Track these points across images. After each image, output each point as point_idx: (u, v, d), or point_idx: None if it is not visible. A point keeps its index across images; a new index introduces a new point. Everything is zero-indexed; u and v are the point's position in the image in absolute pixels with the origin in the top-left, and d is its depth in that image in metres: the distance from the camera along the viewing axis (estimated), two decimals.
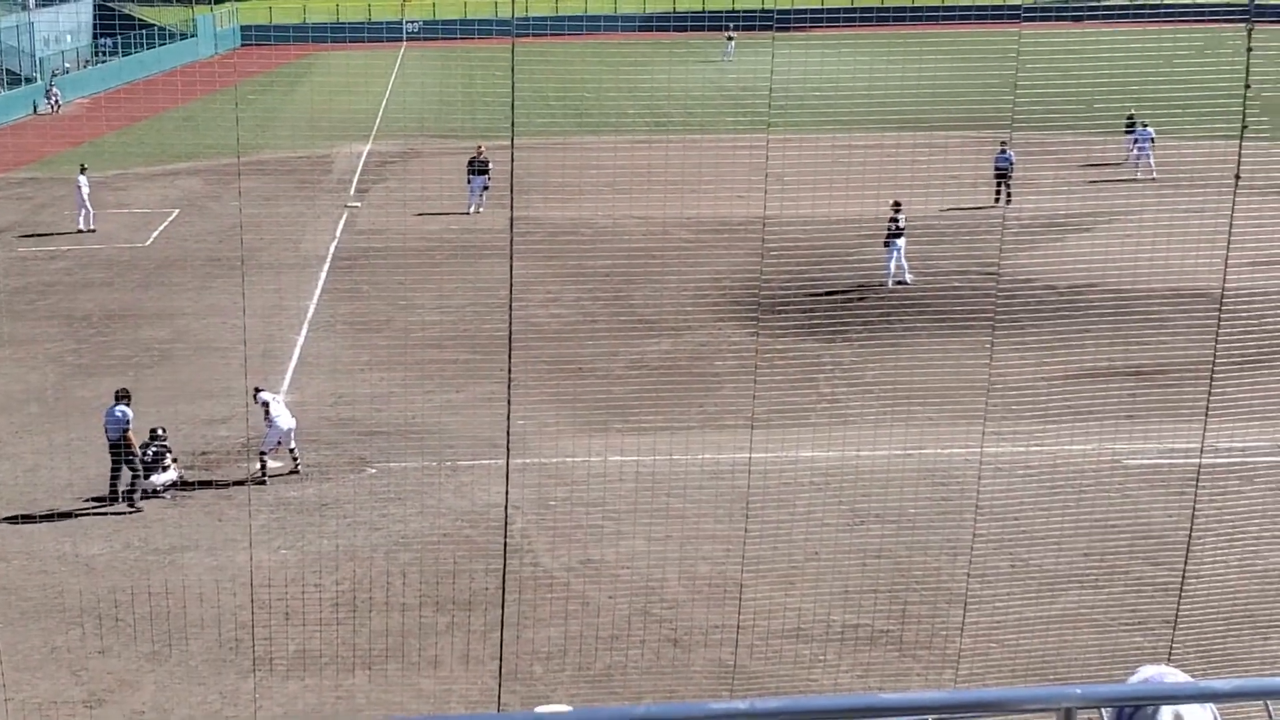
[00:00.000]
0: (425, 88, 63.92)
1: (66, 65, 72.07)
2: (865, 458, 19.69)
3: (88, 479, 20.63)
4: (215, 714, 15.01)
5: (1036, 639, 15.54)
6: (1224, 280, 15.12)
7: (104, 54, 77.43)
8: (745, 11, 79.79)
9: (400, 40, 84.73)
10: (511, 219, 14.25)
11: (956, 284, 29.24)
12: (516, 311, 16.55)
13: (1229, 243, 14.59)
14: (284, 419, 20.92)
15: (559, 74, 61.50)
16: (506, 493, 16.04)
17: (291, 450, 21.07)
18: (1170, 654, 13.93)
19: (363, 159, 48.10)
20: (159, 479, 20.35)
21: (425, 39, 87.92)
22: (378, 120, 55.13)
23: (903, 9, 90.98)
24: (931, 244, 32.17)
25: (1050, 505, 18.28)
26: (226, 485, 20.73)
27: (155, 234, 37.76)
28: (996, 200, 37.15)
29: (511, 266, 14.33)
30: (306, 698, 15.17)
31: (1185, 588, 14.45)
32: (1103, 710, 4.35)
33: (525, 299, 28.19)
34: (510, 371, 14.14)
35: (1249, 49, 15.13)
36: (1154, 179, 40.00)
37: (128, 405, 20.46)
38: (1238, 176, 14.83)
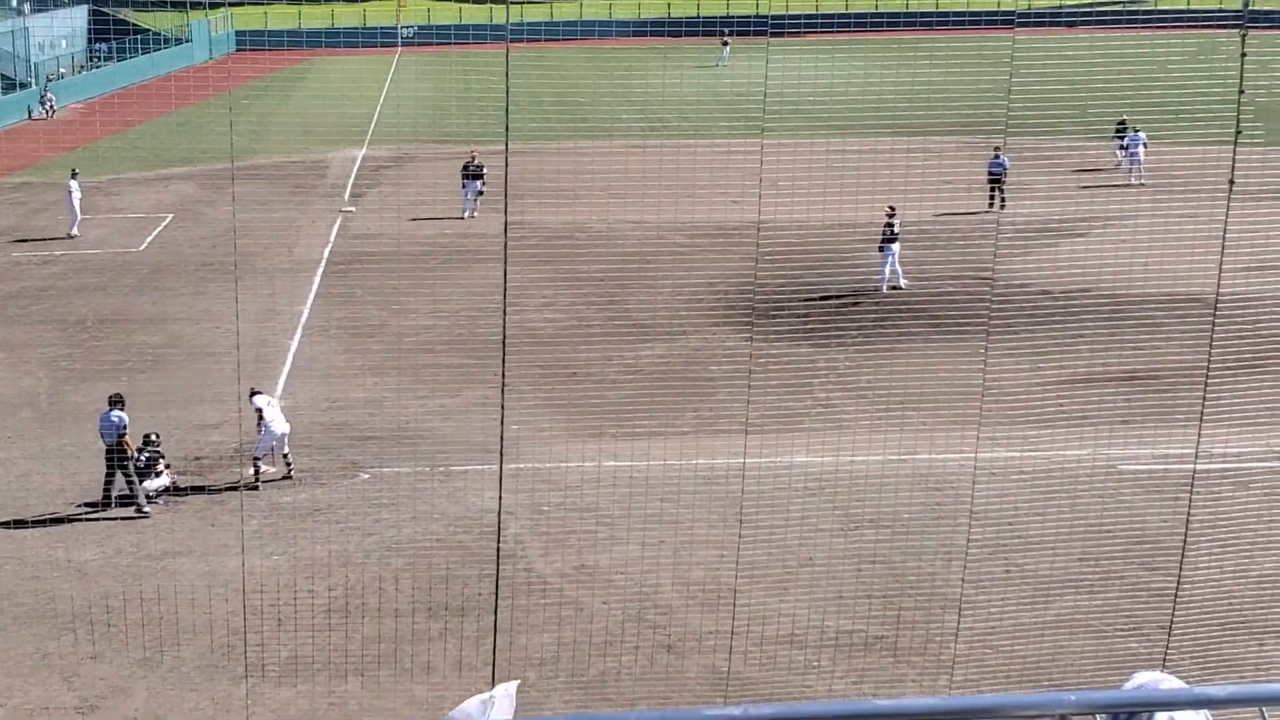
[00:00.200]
0: (420, 93, 63.93)
1: (61, 70, 72.04)
2: (860, 463, 19.67)
3: (80, 484, 20.58)
4: None
5: (1031, 644, 15.52)
6: (1219, 285, 15.12)
7: (99, 59, 77.37)
8: (740, 17, 79.91)
9: (395, 45, 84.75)
10: (506, 223, 14.21)
11: (951, 289, 29.23)
12: (511, 316, 16.52)
13: (1223, 248, 14.57)
14: (277, 424, 20.88)
15: (554, 79, 61.51)
16: (500, 498, 16.01)
17: (285, 455, 21.03)
18: (1165, 659, 13.91)
19: (357, 164, 48.07)
20: (151, 484, 20.30)
21: (420, 44, 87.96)
22: (372, 125, 55.11)
23: (896, 14, 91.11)
24: (926, 249, 32.19)
25: (1045, 510, 18.26)
26: (219, 490, 20.68)
27: (149, 239, 37.70)
28: (990, 205, 37.18)
29: (505, 271, 14.30)
30: (299, 704, 15.12)
31: (1180, 593, 14.43)
32: (1098, 716, 4.33)
33: (519, 304, 28.18)
34: (504, 376, 14.11)
35: (1243, 54, 15.14)
36: (1143, 184, 40.01)
37: (123, 410, 20.40)
38: (1232, 182, 14.83)
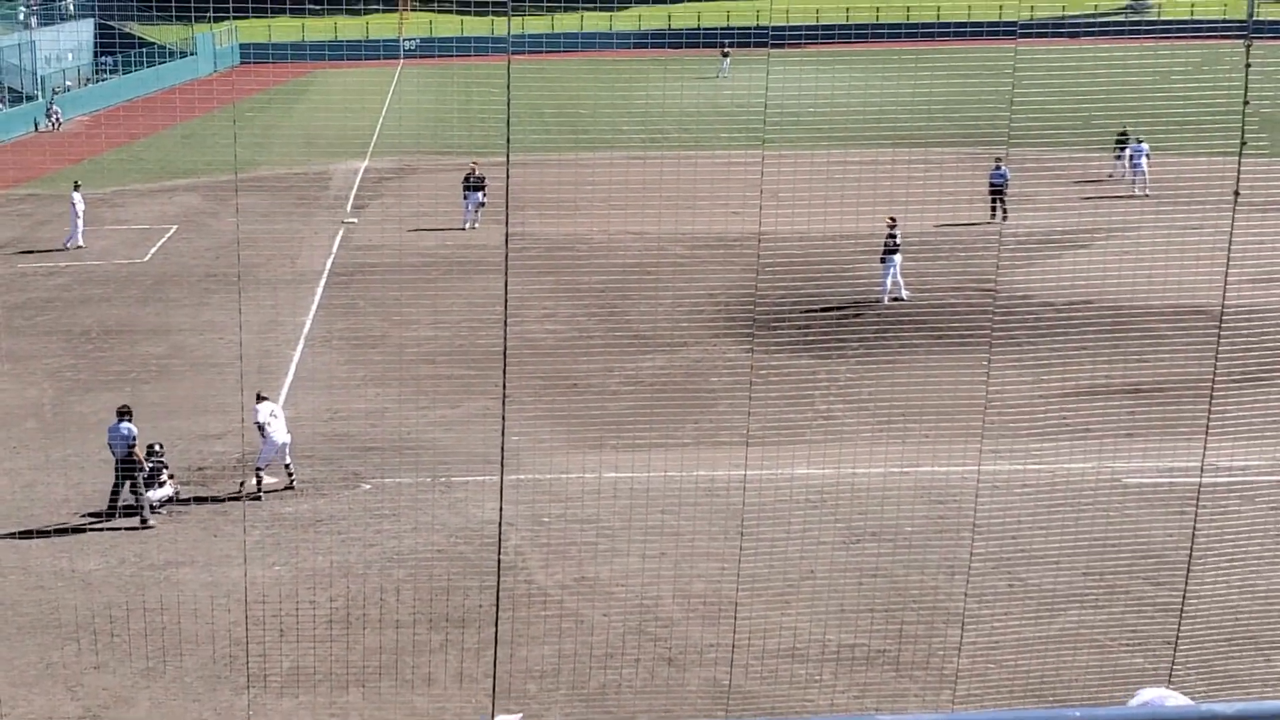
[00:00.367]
0: (422, 105, 64.03)
1: (67, 83, 72.22)
2: (861, 475, 19.61)
3: (84, 495, 20.55)
4: None
5: (1035, 659, 15.44)
6: (1224, 297, 15.07)
7: (104, 72, 77.63)
8: (740, 29, 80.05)
9: (397, 58, 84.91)
10: (507, 235, 14.18)
11: (953, 300, 29.21)
12: (511, 327, 16.50)
13: (1228, 259, 14.53)
14: (279, 434, 20.86)
15: (555, 91, 61.58)
16: (501, 509, 15.98)
17: (287, 465, 21.01)
18: (1171, 675, 13.83)
19: (359, 175, 48.13)
20: (155, 494, 20.28)
21: (422, 57, 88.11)
22: (374, 137, 55.19)
23: (898, 25, 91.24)
24: (928, 260, 32.16)
25: (1049, 524, 18.19)
26: (222, 501, 20.66)
27: (153, 250, 37.74)
28: (992, 216, 37.18)
29: (506, 282, 14.26)
30: (300, 715, 15.08)
31: (1186, 608, 14.36)
32: None
33: (520, 315, 28.18)
34: (505, 387, 14.07)
35: (1247, 65, 15.12)
36: (1148, 195, 40.03)
37: (131, 422, 20.37)
38: (1237, 193, 14.80)
